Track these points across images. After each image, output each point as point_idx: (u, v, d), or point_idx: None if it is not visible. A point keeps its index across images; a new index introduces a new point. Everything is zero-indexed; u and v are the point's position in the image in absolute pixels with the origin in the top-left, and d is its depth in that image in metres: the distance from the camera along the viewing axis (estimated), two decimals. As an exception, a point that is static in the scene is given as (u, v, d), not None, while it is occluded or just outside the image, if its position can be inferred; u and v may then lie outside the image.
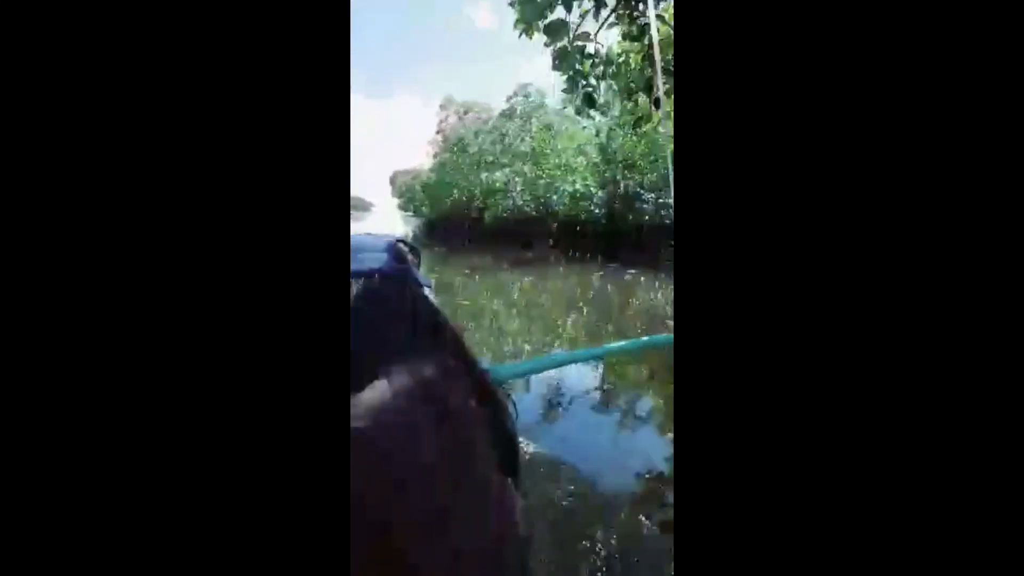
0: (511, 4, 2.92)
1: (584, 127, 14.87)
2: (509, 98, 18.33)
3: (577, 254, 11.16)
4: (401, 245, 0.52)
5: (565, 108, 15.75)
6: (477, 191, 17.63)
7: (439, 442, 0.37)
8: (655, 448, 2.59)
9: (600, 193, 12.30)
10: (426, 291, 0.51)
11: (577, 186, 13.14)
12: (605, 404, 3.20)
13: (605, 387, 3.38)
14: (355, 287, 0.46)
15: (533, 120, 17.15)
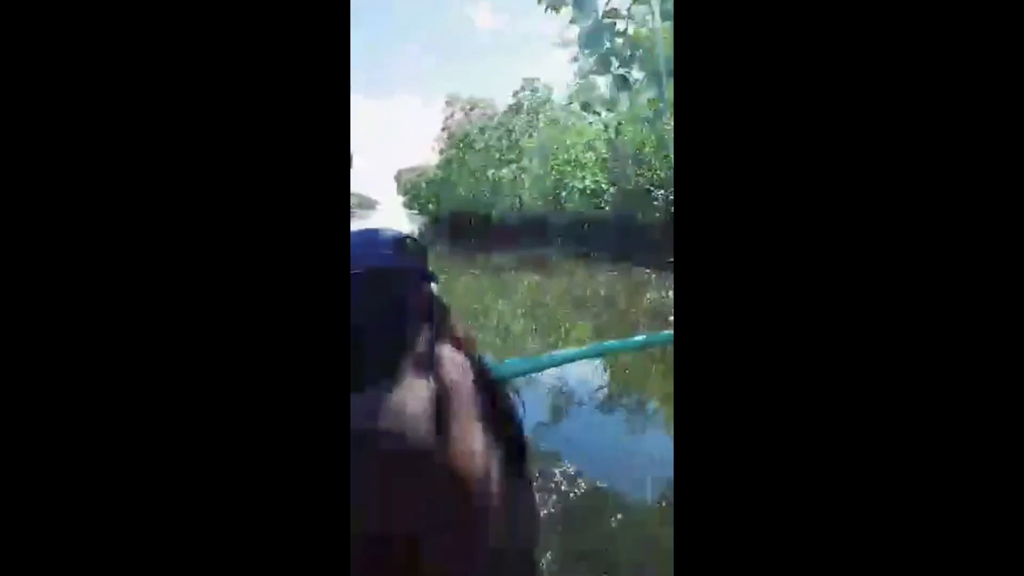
0: None
1: (590, 122, 14.80)
2: (516, 93, 18.28)
3: (586, 252, 11.12)
4: (409, 240, 0.52)
5: (571, 104, 15.70)
6: (483, 188, 17.63)
7: (449, 443, 0.37)
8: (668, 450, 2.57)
9: (611, 189, 12.22)
10: (433, 287, 0.52)
11: (587, 182, 13.08)
12: (610, 405, 3.22)
13: (607, 388, 3.40)
14: (366, 283, 0.46)
15: (540, 115, 17.10)
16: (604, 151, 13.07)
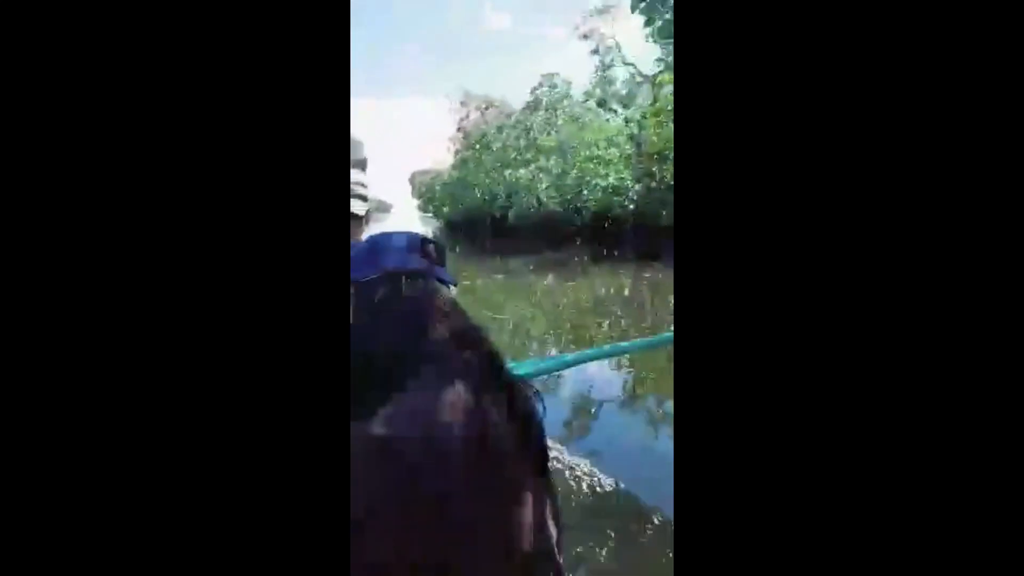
0: None
1: (607, 119, 14.76)
2: (534, 89, 18.34)
3: (607, 252, 11.06)
4: (427, 242, 0.53)
5: (587, 101, 15.67)
6: (500, 188, 17.75)
7: (473, 448, 0.38)
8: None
9: (637, 187, 12.08)
10: (452, 289, 0.52)
11: (611, 179, 12.98)
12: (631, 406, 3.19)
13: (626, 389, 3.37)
14: (387, 286, 0.47)
15: (559, 112, 17.10)
16: (627, 147, 12.97)
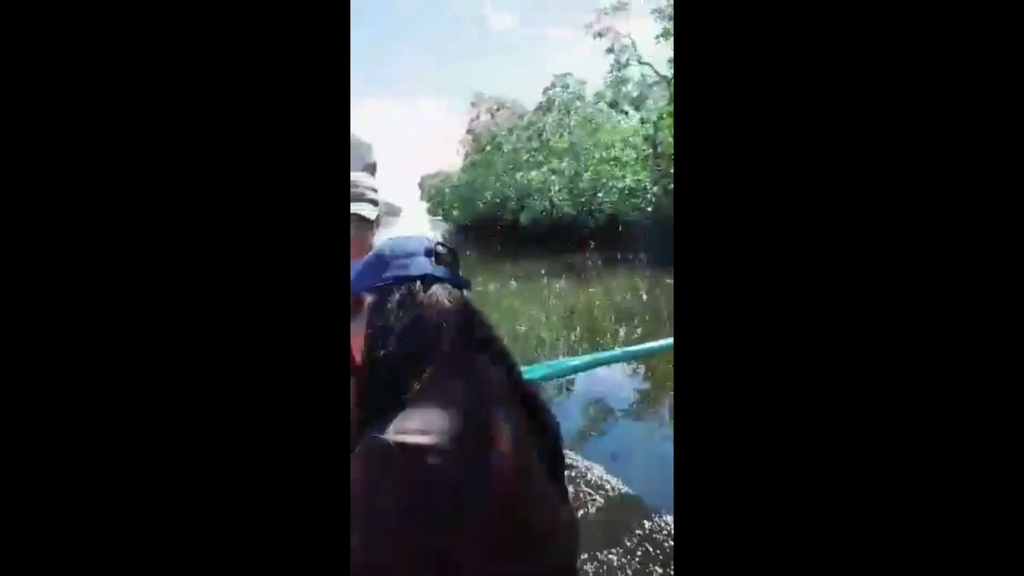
0: None
1: (619, 120, 14.72)
2: (546, 90, 18.38)
3: (621, 255, 10.98)
4: (440, 247, 0.54)
5: (598, 103, 15.64)
6: (511, 191, 17.79)
7: (489, 455, 0.38)
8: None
9: (655, 188, 11.99)
10: (466, 294, 0.52)
11: (627, 181, 12.91)
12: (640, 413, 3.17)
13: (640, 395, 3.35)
14: (400, 291, 0.48)
15: (572, 113, 17.09)
16: (644, 148, 12.90)
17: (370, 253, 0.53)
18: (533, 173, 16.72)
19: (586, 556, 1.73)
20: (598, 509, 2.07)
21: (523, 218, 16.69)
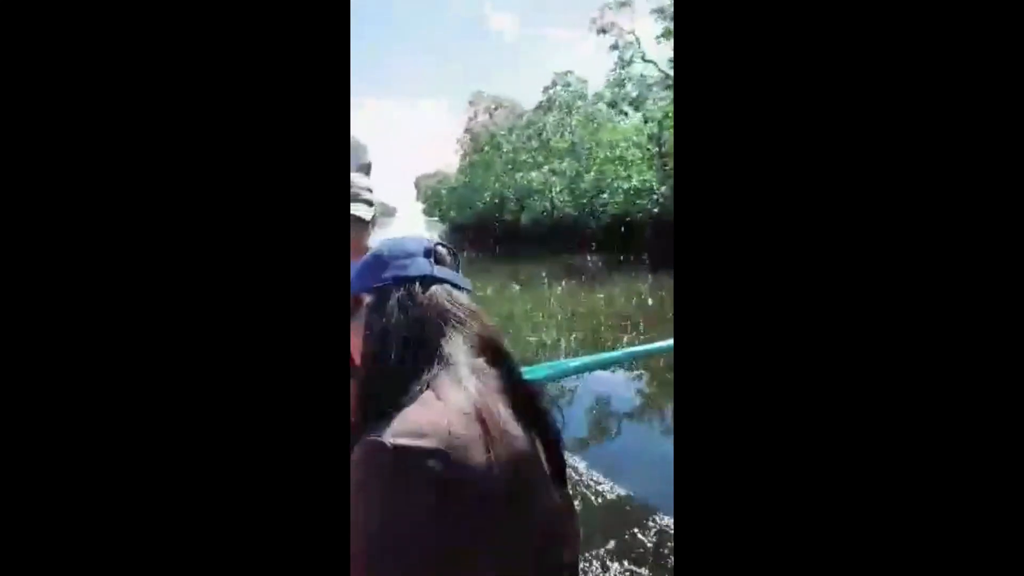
0: None
1: (620, 120, 14.77)
2: (546, 88, 18.45)
3: (623, 258, 10.99)
4: (440, 247, 0.54)
5: (597, 104, 15.68)
6: (509, 192, 17.82)
7: (489, 457, 0.38)
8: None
9: (663, 188, 11.98)
10: (466, 295, 0.53)
11: (633, 182, 12.91)
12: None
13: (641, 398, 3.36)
14: (399, 292, 0.48)
15: (573, 113, 17.13)
16: (650, 147, 12.92)
17: (369, 253, 0.53)
18: (533, 174, 16.75)
19: (584, 556, 1.73)
20: (596, 509, 2.08)
21: (523, 219, 16.72)
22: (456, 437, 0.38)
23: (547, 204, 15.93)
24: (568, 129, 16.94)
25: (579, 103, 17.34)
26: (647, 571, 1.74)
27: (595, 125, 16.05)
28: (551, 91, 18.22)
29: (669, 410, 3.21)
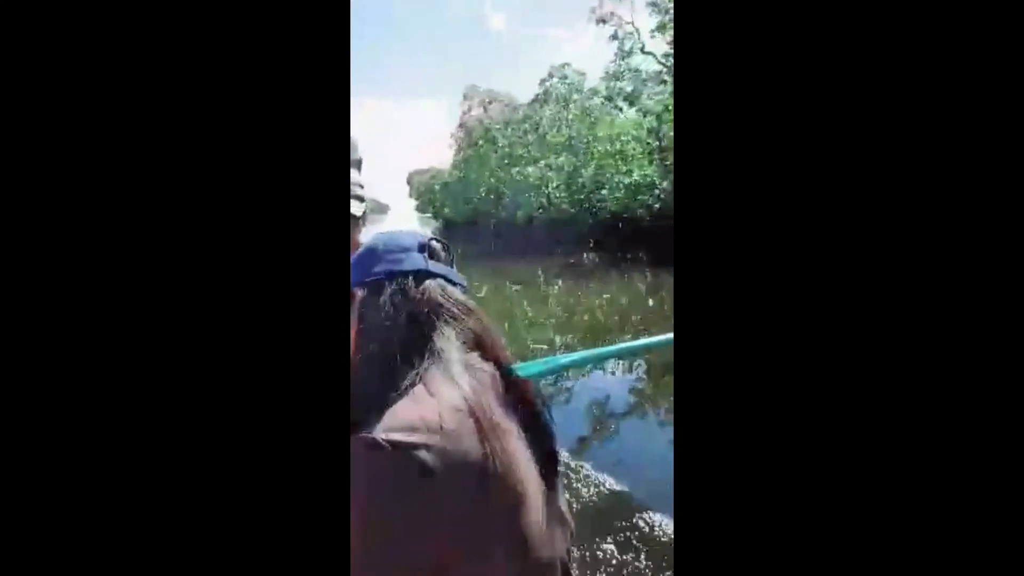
0: None
1: (618, 114, 14.78)
2: (543, 81, 18.44)
3: (621, 255, 11.02)
4: (435, 243, 0.54)
5: (594, 96, 15.69)
6: (504, 188, 17.82)
7: (481, 452, 0.39)
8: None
9: (665, 184, 11.98)
10: (460, 291, 0.53)
11: (635, 176, 12.91)
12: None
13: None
14: (392, 286, 0.48)
15: (571, 106, 17.12)
16: (651, 141, 12.92)
17: (363, 247, 0.53)
18: (529, 169, 16.75)
19: (575, 549, 1.74)
20: (588, 504, 2.09)
21: (519, 215, 16.73)
22: (448, 431, 0.39)
23: (543, 200, 15.94)
24: (565, 123, 16.94)
25: (576, 96, 17.33)
26: (643, 564, 1.75)
27: (592, 119, 16.05)
28: (547, 83, 18.20)
29: (661, 409, 3.24)
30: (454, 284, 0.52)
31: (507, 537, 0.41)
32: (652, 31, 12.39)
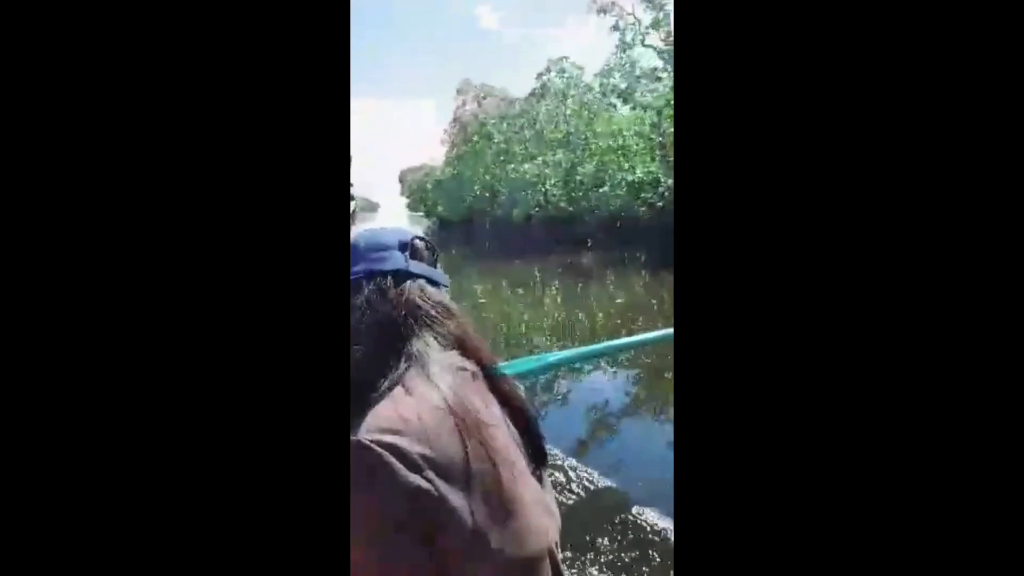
0: None
1: (617, 108, 14.82)
2: (540, 75, 18.42)
3: (622, 256, 11.05)
4: (418, 242, 0.54)
5: (588, 93, 15.72)
6: (499, 185, 17.82)
7: (468, 450, 0.39)
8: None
9: (669, 181, 11.96)
10: (443, 291, 0.53)
11: (638, 173, 12.90)
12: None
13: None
14: (371, 286, 0.48)
15: (569, 100, 17.11)
16: (652, 136, 12.92)
17: None
18: (526, 165, 16.75)
19: (563, 544, 1.75)
20: (578, 499, 2.12)
21: (515, 214, 16.73)
22: (430, 430, 0.39)
23: (540, 198, 15.95)
24: (563, 118, 16.93)
25: (573, 91, 17.31)
26: (625, 556, 1.76)
27: (591, 114, 16.06)
28: (545, 77, 18.17)
29: (661, 410, 3.25)
30: (435, 284, 0.52)
31: (494, 530, 0.41)
32: (646, 27, 12.46)
